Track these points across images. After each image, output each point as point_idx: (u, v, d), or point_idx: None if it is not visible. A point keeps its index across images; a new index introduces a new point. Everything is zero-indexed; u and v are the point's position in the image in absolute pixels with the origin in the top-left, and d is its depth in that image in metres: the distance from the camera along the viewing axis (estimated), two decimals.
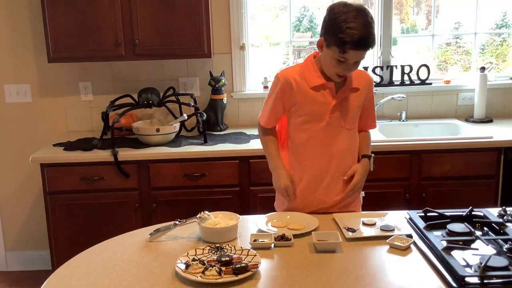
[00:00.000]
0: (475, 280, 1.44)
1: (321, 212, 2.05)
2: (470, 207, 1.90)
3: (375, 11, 3.57)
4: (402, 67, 3.57)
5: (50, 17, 3.08)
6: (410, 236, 1.77)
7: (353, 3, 1.93)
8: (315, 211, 2.05)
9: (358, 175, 2.09)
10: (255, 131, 3.29)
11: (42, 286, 1.54)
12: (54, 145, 3.16)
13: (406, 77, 3.58)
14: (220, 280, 1.48)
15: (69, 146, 3.10)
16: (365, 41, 1.88)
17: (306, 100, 2.03)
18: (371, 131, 2.26)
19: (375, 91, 3.40)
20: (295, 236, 1.79)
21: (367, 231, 1.84)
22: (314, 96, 2.03)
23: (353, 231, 1.83)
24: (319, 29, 3.81)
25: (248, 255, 1.63)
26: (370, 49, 1.92)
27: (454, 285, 1.44)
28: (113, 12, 3.09)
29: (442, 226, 1.79)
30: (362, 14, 1.88)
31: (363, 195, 2.21)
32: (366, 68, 3.52)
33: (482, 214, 1.88)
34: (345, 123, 2.06)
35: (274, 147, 2.15)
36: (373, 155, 2.17)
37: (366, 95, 2.11)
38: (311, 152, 2.08)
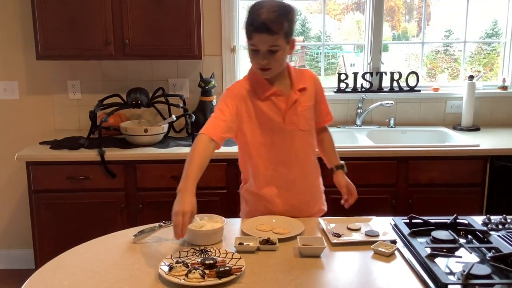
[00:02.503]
0: None
1: (294, 217, 2.02)
2: (455, 215, 1.91)
3: (366, 18, 3.59)
4: (392, 73, 3.59)
5: (39, 14, 3.06)
6: (394, 242, 1.77)
7: None
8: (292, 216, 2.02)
9: (350, 185, 2.14)
10: None
11: (23, 285, 1.53)
12: (40, 143, 3.13)
13: (395, 84, 3.60)
14: (203, 283, 1.48)
15: (55, 144, 3.08)
16: (264, 24, 1.81)
17: (260, 112, 2.00)
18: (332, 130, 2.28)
19: (364, 97, 3.49)
20: (280, 240, 1.79)
21: (352, 236, 1.84)
22: (267, 105, 2.00)
23: (338, 236, 1.84)
24: (311, 33, 3.84)
25: (232, 258, 1.63)
26: (276, 35, 1.83)
27: None
28: (104, 11, 3.08)
29: (426, 233, 1.80)
30: (273, 1, 1.87)
31: (324, 188, 2.25)
32: (356, 74, 3.55)
33: (466, 222, 1.89)
34: (302, 126, 2.05)
35: (197, 165, 1.92)
36: (343, 162, 2.19)
37: (315, 92, 2.09)
38: (274, 161, 2.05)
